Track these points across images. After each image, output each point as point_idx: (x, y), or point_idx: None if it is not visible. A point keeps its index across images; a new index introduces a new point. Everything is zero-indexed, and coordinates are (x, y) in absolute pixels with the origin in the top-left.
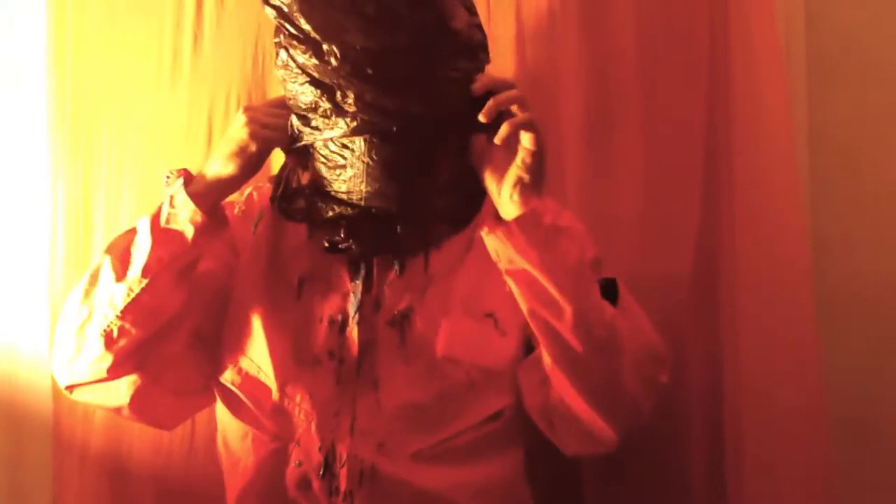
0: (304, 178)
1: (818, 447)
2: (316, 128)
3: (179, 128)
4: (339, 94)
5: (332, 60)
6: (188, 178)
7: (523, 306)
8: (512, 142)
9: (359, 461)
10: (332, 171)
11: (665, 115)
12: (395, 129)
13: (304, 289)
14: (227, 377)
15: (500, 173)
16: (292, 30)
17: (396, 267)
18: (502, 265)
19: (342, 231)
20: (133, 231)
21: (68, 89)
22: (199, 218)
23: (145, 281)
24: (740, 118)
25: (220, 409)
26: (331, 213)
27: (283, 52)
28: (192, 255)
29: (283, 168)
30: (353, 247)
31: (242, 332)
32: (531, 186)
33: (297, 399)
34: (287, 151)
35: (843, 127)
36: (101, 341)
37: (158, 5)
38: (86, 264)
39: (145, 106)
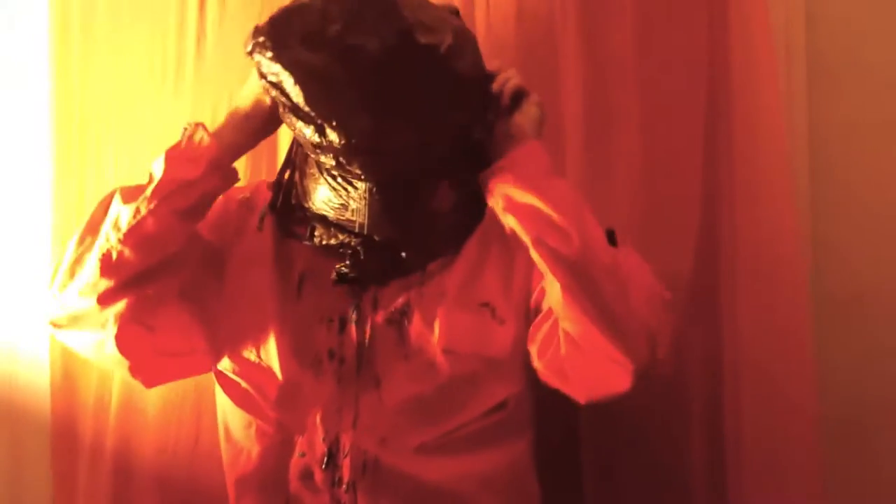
0: (302, 190)
1: (815, 447)
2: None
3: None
4: (342, 157)
5: (335, 140)
6: (205, 127)
7: (527, 238)
8: (513, 107)
9: (362, 452)
10: (334, 198)
11: (664, 116)
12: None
13: (304, 287)
14: (229, 366)
15: (504, 128)
16: (293, 103)
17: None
18: (501, 205)
19: (348, 261)
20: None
21: (74, 93)
22: (213, 150)
23: (153, 203)
24: (738, 119)
25: (222, 399)
26: (334, 241)
27: (282, 108)
28: (201, 188)
29: (281, 173)
30: (361, 278)
31: (247, 325)
32: (532, 128)
33: (301, 393)
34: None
35: (843, 128)
36: (98, 265)
37: (162, 9)
38: None
39: (149, 109)
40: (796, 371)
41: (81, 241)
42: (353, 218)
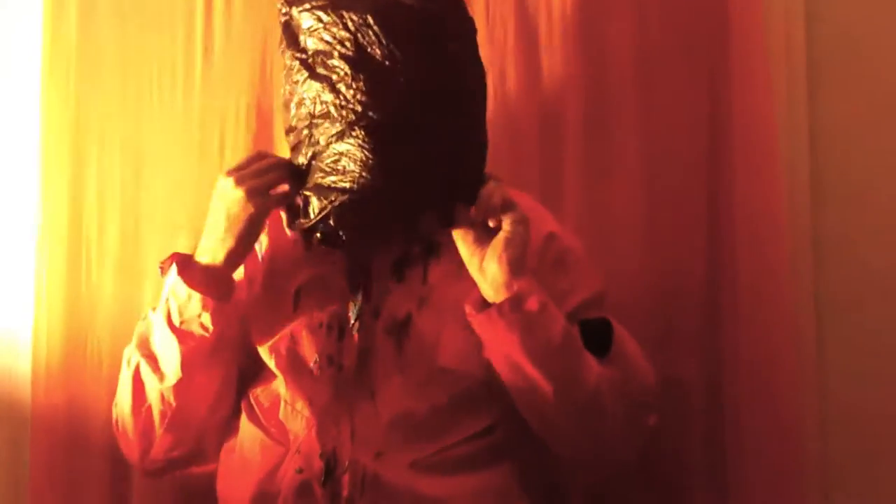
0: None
1: (811, 448)
2: (316, 142)
3: (192, 138)
4: (343, 86)
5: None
6: (183, 264)
7: (504, 379)
8: (494, 224)
9: (361, 467)
10: (329, 162)
11: (666, 116)
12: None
13: (302, 298)
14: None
15: (482, 251)
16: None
17: (395, 275)
18: (482, 343)
19: (331, 220)
20: (146, 322)
21: (71, 99)
22: (209, 305)
23: (182, 374)
24: (737, 120)
25: None
26: (323, 202)
27: (294, 62)
28: (216, 334)
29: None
30: (344, 235)
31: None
32: (513, 264)
33: (298, 406)
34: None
35: (843, 127)
36: (166, 430)
37: (169, 18)
38: (92, 277)
39: (158, 118)
40: (796, 372)
41: (139, 410)
42: (348, 170)
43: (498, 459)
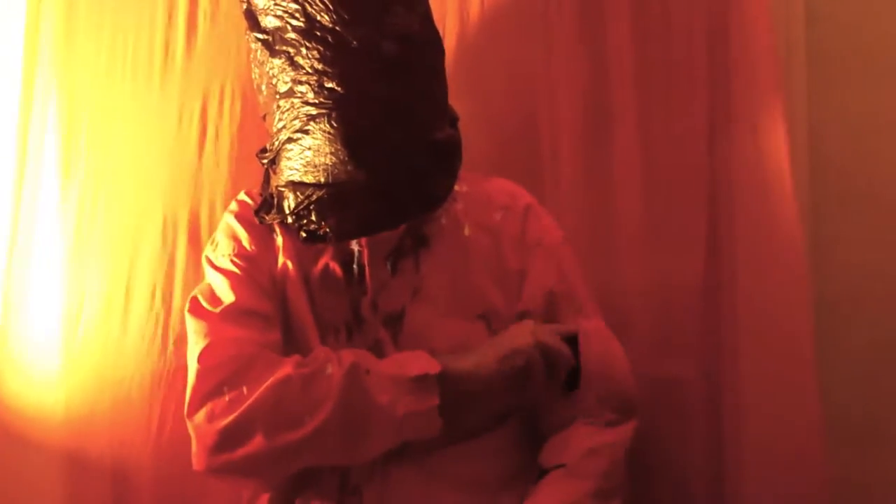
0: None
1: (817, 448)
2: (279, 133)
3: (171, 122)
4: (300, 59)
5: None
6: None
7: None
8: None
9: None
10: (300, 156)
11: (665, 113)
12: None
13: (315, 300)
14: None
15: None
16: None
17: (389, 267)
18: None
19: (313, 215)
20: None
21: (51, 79)
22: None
23: None
24: (739, 119)
25: None
26: (300, 198)
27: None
28: None
29: (263, 184)
30: (328, 230)
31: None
32: None
33: None
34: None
35: (843, 126)
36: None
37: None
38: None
39: (132, 102)
40: (797, 371)
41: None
42: (317, 164)
43: (507, 445)
